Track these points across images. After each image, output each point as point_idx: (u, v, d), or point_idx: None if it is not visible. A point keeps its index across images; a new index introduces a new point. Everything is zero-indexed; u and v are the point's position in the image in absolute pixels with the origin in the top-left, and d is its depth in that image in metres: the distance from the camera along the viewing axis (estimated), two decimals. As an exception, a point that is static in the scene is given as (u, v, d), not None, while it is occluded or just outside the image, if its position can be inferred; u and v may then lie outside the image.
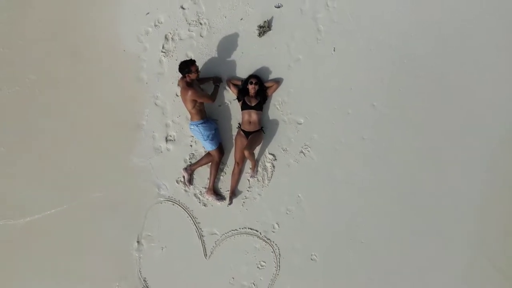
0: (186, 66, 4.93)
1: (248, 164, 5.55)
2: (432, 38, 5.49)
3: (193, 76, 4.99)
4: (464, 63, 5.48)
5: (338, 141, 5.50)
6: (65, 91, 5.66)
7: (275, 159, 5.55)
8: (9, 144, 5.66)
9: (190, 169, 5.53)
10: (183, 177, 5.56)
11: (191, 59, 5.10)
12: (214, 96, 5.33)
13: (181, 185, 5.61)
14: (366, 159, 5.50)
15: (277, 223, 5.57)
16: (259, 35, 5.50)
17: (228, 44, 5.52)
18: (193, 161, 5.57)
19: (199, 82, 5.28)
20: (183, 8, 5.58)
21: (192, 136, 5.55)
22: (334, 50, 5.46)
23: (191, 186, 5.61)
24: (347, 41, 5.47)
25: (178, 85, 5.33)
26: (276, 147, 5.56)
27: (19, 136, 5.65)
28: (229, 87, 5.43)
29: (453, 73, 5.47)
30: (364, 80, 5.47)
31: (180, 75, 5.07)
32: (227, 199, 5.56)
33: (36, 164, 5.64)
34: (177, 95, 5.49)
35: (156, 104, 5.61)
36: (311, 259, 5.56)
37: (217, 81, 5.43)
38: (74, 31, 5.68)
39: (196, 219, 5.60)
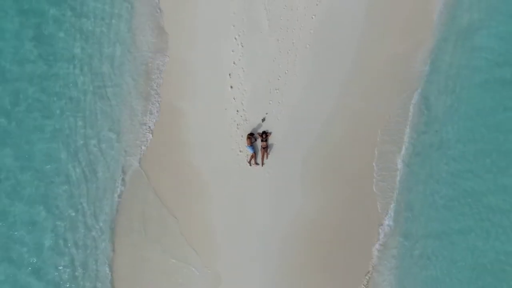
0: (252, 134, 19.89)
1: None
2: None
3: (251, 136, 19.85)
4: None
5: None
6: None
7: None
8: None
9: (249, 162, 19.97)
10: (249, 163, 20.06)
11: (254, 134, 19.92)
12: (253, 142, 20.01)
13: (248, 164, 20.03)
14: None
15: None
16: (262, 121, 20.27)
17: (254, 122, 20.21)
18: (248, 158, 20.01)
19: (252, 137, 20.04)
20: (237, 112, 20.31)
21: (247, 150, 20.02)
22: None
23: (252, 165, 20.09)
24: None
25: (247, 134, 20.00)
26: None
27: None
28: (258, 134, 20.05)
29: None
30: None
31: (248, 133, 19.90)
32: (260, 165, 20.10)
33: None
34: (241, 139, 20.04)
35: (236, 142, 20.12)
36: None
37: (255, 138, 20.13)
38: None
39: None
